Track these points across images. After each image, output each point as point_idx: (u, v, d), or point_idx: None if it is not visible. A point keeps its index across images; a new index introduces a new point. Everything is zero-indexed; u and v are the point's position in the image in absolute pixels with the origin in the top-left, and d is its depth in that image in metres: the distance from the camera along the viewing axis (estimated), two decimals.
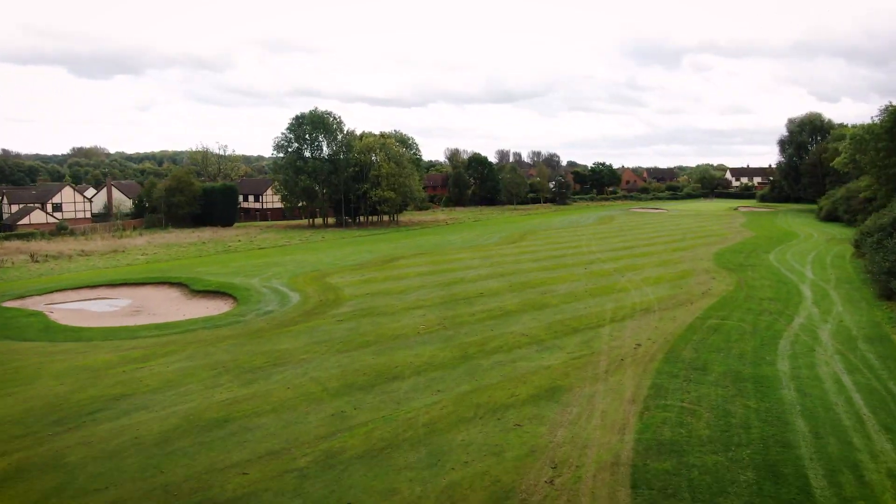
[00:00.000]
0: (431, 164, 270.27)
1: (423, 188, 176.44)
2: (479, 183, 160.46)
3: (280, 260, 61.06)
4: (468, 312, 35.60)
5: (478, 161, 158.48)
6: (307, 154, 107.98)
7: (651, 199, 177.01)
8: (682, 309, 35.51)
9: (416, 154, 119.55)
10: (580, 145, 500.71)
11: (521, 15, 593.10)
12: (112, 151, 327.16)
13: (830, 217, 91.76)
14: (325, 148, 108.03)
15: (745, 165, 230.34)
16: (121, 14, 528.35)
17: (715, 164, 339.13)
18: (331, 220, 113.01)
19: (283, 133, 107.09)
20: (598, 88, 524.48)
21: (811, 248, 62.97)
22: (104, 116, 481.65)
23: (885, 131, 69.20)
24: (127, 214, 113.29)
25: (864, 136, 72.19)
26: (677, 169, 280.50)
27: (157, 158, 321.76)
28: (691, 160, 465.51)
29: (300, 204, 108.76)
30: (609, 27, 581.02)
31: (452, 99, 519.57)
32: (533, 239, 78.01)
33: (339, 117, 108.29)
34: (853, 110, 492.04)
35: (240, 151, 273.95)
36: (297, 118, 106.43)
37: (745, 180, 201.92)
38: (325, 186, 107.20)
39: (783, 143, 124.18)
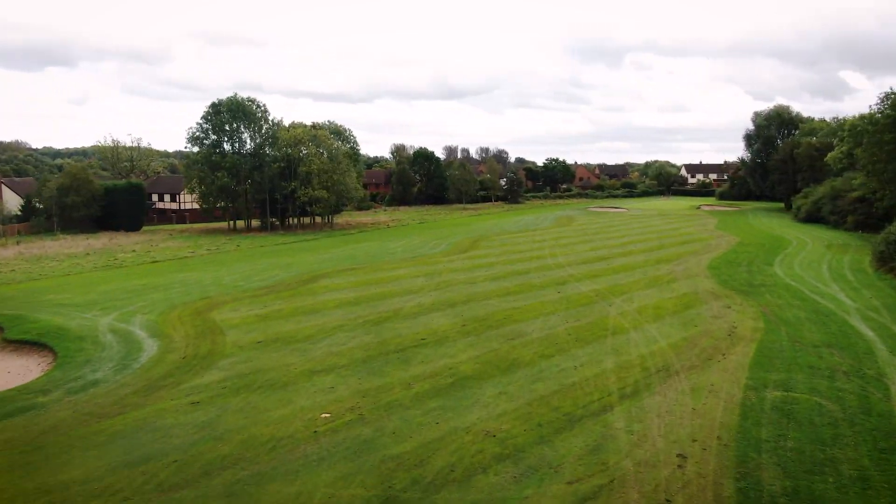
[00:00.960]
0: (376, 161, 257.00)
1: (365, 186, 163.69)
2: (425, 180, 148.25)
3: (167, 281, 47.56)
4: (401, 381, 23.45)
5: (424, 156, 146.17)
6: (228, 147, 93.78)
7: (607, 196, 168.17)
8: (714, 368, 24.21)
9: (355, 148, 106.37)
10: (527, 142, 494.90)
11: (465, 11, 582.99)
12: (38, 146, 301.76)
13: (812, 218, 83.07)
14: (248, 141, 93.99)
15: (698, 162, 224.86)
16: (51, 2, 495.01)
17: (661, 161, 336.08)
18: (256, 223, 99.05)
19: (198, 123, 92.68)
20: (542, 86, 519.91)
21: (816, 257, 53.10)
22: (36, 110, 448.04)
23: (891, 122, 60.05)
24: (13, 217, 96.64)
25: (866, 129, 62.88)
26: (626, 165, 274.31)
27: (89, 154, 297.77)
28: (634, 157, 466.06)
29: (220, 204, 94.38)
30: (552, 25, 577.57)
31: (399, 95, 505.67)
32: (487, 246, 66.38)
33: (264, 105, 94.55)
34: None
35: (172, 147, 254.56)
36: (213, 106, 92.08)
37: (700, 177, 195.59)
38: (247, 185, 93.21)
39: (749, 138, 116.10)
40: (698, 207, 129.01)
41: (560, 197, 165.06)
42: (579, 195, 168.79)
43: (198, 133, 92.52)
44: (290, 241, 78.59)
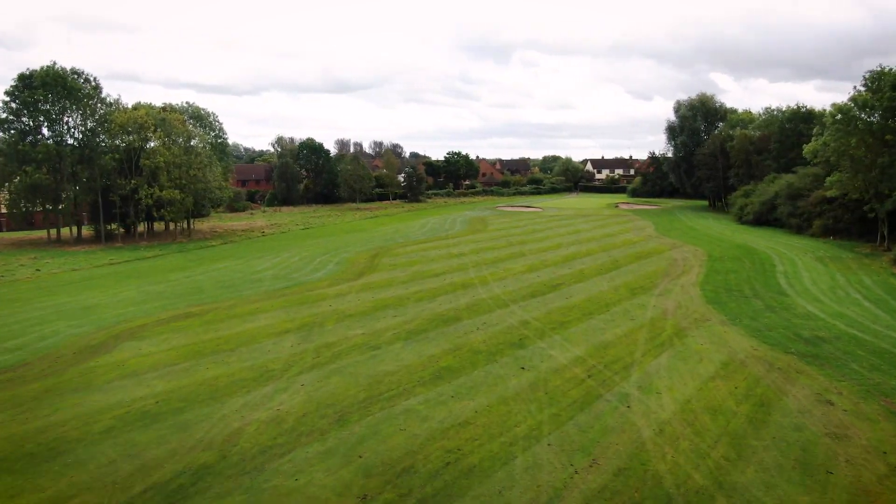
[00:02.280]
0: (260, 154, 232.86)
1: (243, 183, 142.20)
2: (313, 176, 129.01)
3: None
4: None
5: (311, 149, 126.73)
6: (48, 134, 71.37)
7: (514, 193, 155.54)
8: None
9: (221, 137, 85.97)
10: (420, 137, 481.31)
11: (351, 4, 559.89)
12: None
13: (762, 221, 72.26)
14: (74, 125, 71.82)
15: (600, 157, 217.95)
16: None
17: (565, 156, 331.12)
18: (89, 232, 77.00)
19: (1, 102, 69.63)
20: (432, 81, 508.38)
21: (826, 279, 40.45)
22: None
23: (888, 103, 48.64)
24: None
25: (853, 114, 51.26)
26: (527, 160, 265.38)
27: None
28: (525, 152, 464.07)
29: (37, 207, 71.76)
30: (440, 21, 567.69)
31: (287, 88, 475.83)
32: (390, 266, 49.75)
33: (96, 79, 72.71)
34: (663, 107, 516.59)
35: None
36: (22, 79, 69.31)
37: (607, 172, 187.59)
38: (73, 182, 71.28)
39: (672, 131, 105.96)
40: (616, 206, 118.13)
41: (464, 194, 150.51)
42: (484, 192, 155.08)
43: (4, 113, 69.55)
44: (122, 259, 58.22)
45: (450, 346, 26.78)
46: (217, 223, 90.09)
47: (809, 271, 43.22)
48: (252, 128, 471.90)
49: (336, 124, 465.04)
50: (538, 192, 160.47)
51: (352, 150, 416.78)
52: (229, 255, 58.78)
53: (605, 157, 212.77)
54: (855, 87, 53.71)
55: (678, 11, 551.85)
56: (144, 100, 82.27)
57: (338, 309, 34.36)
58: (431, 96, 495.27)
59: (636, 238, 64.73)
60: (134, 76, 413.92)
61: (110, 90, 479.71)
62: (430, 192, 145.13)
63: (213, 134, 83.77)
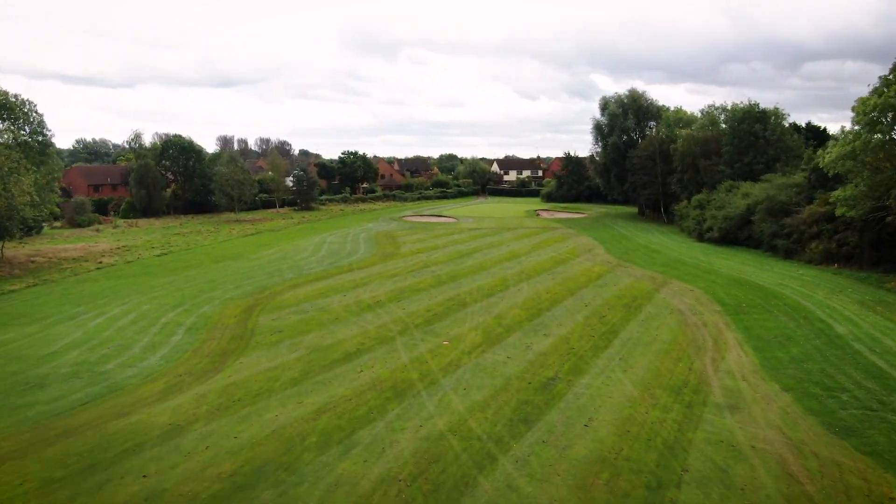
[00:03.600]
0: (122, 154, 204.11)
1: (96, 188, 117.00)
2: (182, 181, 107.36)
3: None
4: None
5: (179, 147, 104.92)
6: None
7: (418, 198, 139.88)
8: None
9: (41, 134, 64.09)
10: (309, 134, 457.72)
11: None
12: None
13: (728, 239, 60.66)
14: None
15: (506, 155, 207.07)
16: None
17: (448, 154, 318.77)
18: None
19: None
20: (320, 76, 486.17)
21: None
22: None
23: None
24: None
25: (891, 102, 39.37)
26: (427, 159, 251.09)
27: None
28: (417, 150, 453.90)
29: None
30: (326, 15, 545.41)
31: (165, 80, 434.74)
32: (271, 336, 32.93)
33: None
34: (548, 107, 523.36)
35: None
36: None
37: (515, 173, 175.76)
38: None
39: (600, 130, 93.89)
40: (536, 214, 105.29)
41: (363, 199, 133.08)
42: (385, 197, 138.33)
43: None
44: None
45: None
46: (44, 246, 68.18)
47: (880, 330, 30.42)
48: (128, 123, 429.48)
49: (219, 120, 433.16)
50: (445, 197, 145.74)
51: (236, 147, 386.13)
52: (23, 313, 39.12)
53: (512, 157, 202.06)
54: (880, 77, 42.23)
55: (561, 13, 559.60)
56: None
57: (156, 489, 17.18)
58: (320, 92, 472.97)
59: (595, 266, 50.87)
60: None
61: None
62: (323, 197, 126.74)
63: (29, 130, 62.13)
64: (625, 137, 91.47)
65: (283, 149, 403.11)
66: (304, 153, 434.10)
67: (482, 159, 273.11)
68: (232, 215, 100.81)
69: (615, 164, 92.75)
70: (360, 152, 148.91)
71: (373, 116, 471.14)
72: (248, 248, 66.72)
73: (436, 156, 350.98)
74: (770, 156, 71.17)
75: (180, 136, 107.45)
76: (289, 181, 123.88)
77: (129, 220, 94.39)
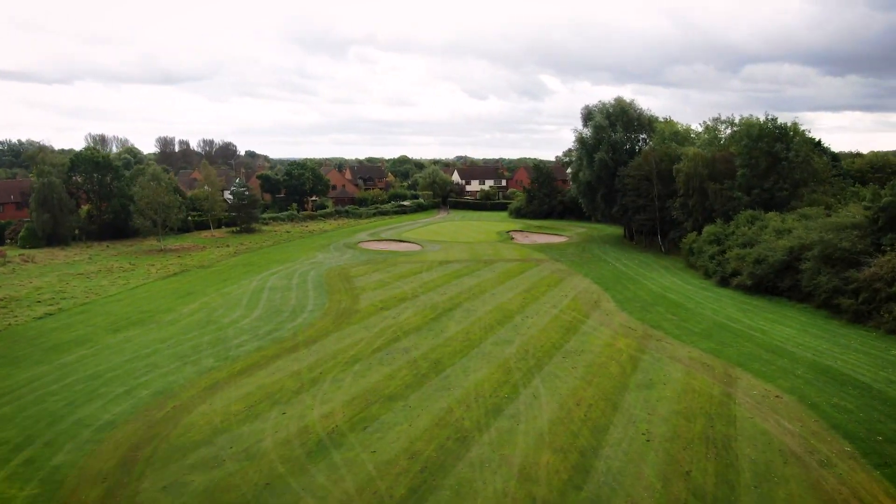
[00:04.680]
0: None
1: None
2: (98, 200, 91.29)
3: None
4: None
5: (91, 163, 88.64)
6: None
7: (374, 213, 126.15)
8: None
9: None
10: (256, 133, 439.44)
11: None
12: None
13: (763, 287, 49.44)
14: None
15: (458, 156, 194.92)
16: None
17: (401, 157, 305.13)
18: None
19: None
20: (267, 74, 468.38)
21: None
22: None
23: None
24: None
25: None
26: (381, 166, 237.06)
27: None
28: (366, 149, 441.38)
29: None
30: (271, 11, 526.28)
31: (104, 77, 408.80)
32: None
33: None
34: (498, 106, 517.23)
35: None
36: None
37: (477, 183, 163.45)
38: None
39: (584, 144, 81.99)
40: (511, 238, 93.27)
41: (312, 217, 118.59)
42: (337, 213, 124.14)
43: None
44: None
45: None
46: None
47: None
48: (64, 120, 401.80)
49: (162, 119, 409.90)
50: (403, 212, 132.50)
51: (177, 148, 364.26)
52: None
53: (464, 157, 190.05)
54: None
55: (509, 13, 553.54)
56: None
57: None
58: (267, 90, 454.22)
59: (618, 340, 38.88)
60: None
61: None
62: (267, 215, 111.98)
63: None
64: (612, 153, 79.90)
65: (227, 150, 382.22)
66: (250, 154, 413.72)
67: (436, 162, 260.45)
68: (155, 242, 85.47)
69: (602, 183, 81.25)
70: (309, 162, 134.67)
71: (321, 115, 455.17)
72: (163, 300, 52.38)
73: (388, 156, 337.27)
74: (795, 180, 60.70)
75: (94, 150, 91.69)
76: (227, 195, 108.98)
77: (26, 253, 78.11)
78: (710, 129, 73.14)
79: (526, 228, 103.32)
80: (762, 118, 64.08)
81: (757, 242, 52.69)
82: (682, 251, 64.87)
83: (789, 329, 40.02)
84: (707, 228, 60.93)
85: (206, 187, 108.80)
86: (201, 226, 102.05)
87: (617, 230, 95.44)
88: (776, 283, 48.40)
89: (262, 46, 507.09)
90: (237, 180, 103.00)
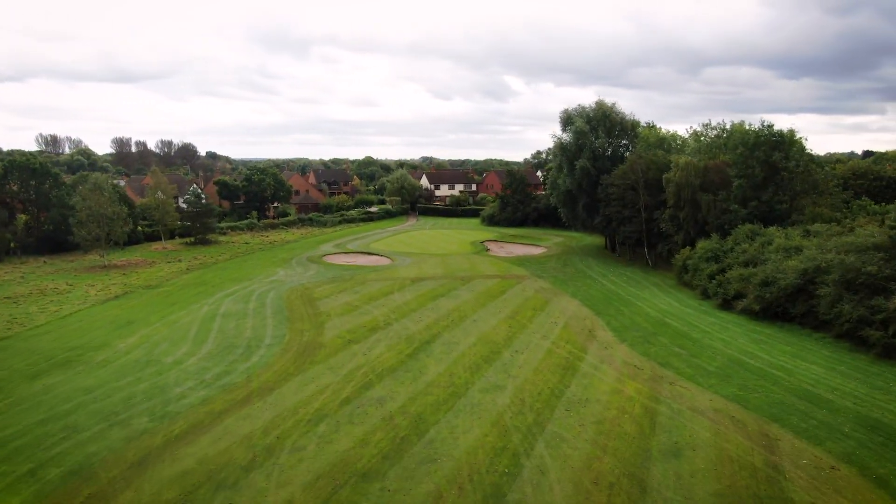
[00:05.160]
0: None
1: None
2: (34, 210, 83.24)
3: None
4: None
5: (26, 170, 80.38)
6: None
7: (340, 221, 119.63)
8: None
9: None
10: (217, 132, 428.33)
11: None
12: None
13: (772, 312, 44.89)
14: None
15: (424, 157, 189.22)
16: None
17: (367, 158, 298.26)
18: None
19: None
20: (228, 73, 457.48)
21: None
22: None
23: None
24: None
25: None
26: (345, 170, 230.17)
27: None
28: (330, 149, 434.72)
29: None
30: (233, 8, 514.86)
31: (59, 75, 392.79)
32: None
33: None
34: (462, 107, 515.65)
35: None
36: None
37: (446, 188, 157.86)
38: None
39: (566, 151, 76.94)
40: (486, 249, 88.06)
41: (272, 226, 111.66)
42: (300, 221, 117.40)
43: None
44: None
45: None
46: None
47: None
48: (17, 120, 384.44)
49: (119, 117, 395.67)
50: (370, 219, 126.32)
51: (133, 148, 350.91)
52: None
53: (429, 158, 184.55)
54: None
55: (471, 14, 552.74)
56: None
57: None
58: (228, 89, 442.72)
59: (626, 384, 33.80)
60: None
61: None
62: (224, 224, 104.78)
63: None
64: (594, 161, 75.14)
65: (187, 151, 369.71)
66: (211, 155, 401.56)
67: (402, 163, 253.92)
68: (99, 258, 77.87)
69: (584, 192, 76.46)
70: (268, 167, 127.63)
71: (284, 115, 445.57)
72: (98, 332, 45.65)
73: (352, 157, 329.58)
74: (794, 191, 56.66)
75: (30, 156, 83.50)
76: (181, 203, 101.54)
77: None
78: (699, 136, 68.95)
79: (501, 238, 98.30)
80: (756, 125, 59.95)
81: (761, 261, 48.30)
82: (674, 267, 60.33)
83: (815, 367, 35.39)
84: (702, 244, 56.49)
85: (158, 194, 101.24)
86: (152, 237, 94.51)
87: (596, 240, 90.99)
88: (787, 308, 43.93)
89: (224, 45, 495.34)
90: (191, 188, 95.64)
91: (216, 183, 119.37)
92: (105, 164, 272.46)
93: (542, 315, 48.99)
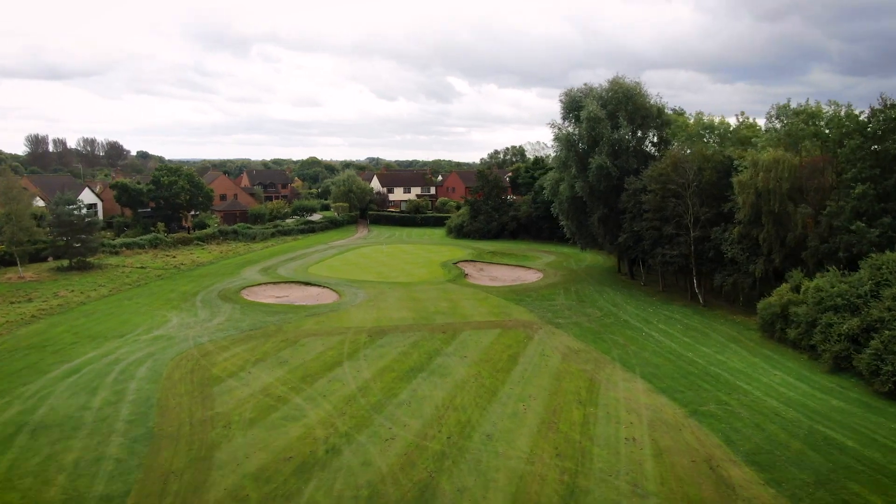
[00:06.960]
0: None
1: None
2: None
3: None
4: None
5: None
6: None
7: (273, 233, 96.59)
8: None
9: None
10: (153, 132, 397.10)
11: None
12: None
13: None
14: None
15: (370, 158, 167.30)
16: None
17: (311, 159, 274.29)
18: None
19: None
20: (164, 71, 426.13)
21: None
22: None
23: None
24: None
25: None
26: (286, 171, 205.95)
27: None
28: (274, 150, 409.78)
29: None
30: (167, 4, 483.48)
31: None
32: None
33: None
34: (407, 108, 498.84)
35: None
36: None
37: (401, 192, 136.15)
38: None
39: (572, 145, 56.59)
40: (464, 273, 67.21)
41: (184, 241, 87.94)
42: (222, 234, 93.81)
43: None
44: None
45: None
46: None
47: None
48: None
49: (48, 115, 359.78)
50: (311, 230, 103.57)
51: (51, 148, 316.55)
52: None
53: (376, 159, 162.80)
54: None
55: (414, 13, 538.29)
56: None
57: None
58: (165, 88, 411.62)
59: None
60: None
61: None
62: (118, 242, 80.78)
63: None
64: (615, 158, 55.04)
65: (114, 150, 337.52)
66: (142, 155, 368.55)
67: (348, 164, 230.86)
68: None
69: (600, 200, 56.34)
70: (186, 165, 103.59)
71: (224, 115, 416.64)
72: None
73: (296, 158, 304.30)
74: None
75: None
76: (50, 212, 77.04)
77: None
78: (771, 118, 49.33)
79: (478, 257, 77.51)
80: (871, 105, 41.02)
81: None
82: (763, 314, 40.55)
83: None
84: (819, 281, 36.95)
85: (41, 204, 76.42)
86: (37, 256, 70.41)
87: (598, 258, 71.53)
88: None
89: (158, 42, 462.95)
90: (61, 192, 71.33)
91: (113, 186, 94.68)
92: (15, 165, 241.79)
93: (596, 415, 28.48)
